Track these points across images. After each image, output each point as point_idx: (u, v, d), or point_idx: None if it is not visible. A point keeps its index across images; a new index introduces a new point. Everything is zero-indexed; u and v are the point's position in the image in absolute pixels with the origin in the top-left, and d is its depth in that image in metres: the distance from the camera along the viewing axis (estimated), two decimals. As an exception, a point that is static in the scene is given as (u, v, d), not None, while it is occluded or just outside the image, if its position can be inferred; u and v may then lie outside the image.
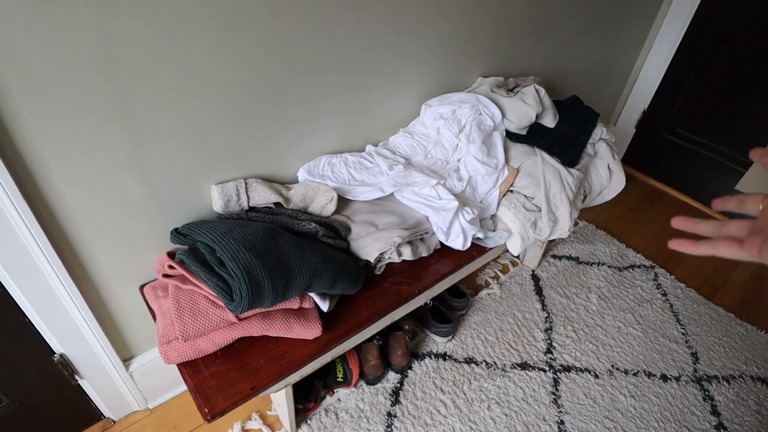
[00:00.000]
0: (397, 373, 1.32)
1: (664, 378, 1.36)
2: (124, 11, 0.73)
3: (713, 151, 1.96)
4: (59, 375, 1.03)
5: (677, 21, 1.88)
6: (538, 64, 1.60)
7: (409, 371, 1.33)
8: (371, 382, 1.29)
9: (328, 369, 1.24)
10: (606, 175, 1.38)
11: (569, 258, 1.75)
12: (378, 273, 1.06)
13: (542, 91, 1.30)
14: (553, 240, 1.74)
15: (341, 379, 1.23)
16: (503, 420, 1.24)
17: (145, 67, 0.79)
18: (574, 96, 1.46)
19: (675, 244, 0.43)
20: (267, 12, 0.88)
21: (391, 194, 1.16)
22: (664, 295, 1.62)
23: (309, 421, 1.20)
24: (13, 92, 0.70)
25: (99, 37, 0.72)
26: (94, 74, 0.75)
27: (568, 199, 1.22)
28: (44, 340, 0.97)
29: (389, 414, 1.23)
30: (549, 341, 1.44)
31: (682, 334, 1.49)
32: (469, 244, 1.10)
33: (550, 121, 1.34)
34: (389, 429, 1.20)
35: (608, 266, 1.72)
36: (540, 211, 1.21)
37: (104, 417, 1.19)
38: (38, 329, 0.95)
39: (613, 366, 1.38)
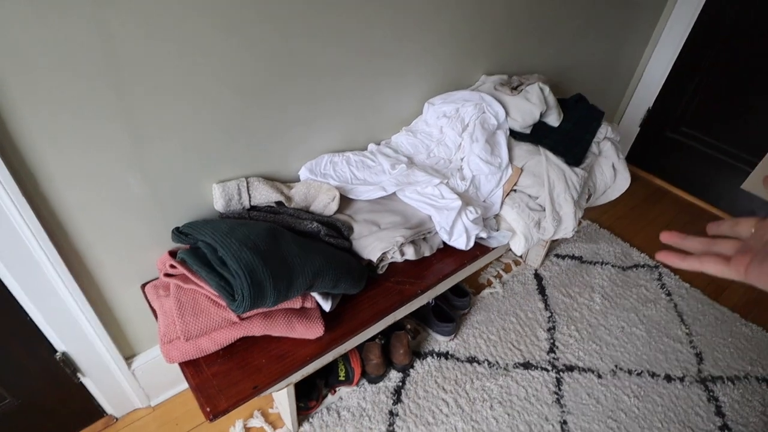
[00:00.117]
0: (399, 372, 1.32)
1: (668, 378, 1.35)
2: (124, 11, 0.72)
3: (718, 150, 1.94)
4: (62, 373, 1.04)
5: (683, 19, 1.86)
6: (542, 62, 1.58)
7: (411, 370, 1.33)
8: (373, 381, 1.29)
9: (330, 367, 1.24)
10: (611, 174, 1.36)
11: (572, 257, 1.73)
12: (380, 272, 1.05)
13: (546, 89, 1.29)
14: (557, 239, 1.73)
15: (343, 378, 1.23)
16: (505, 419, 1.23)
17: (146, 66, 0.79)
18: (579, 94, 1.44)
19: (662, 256, 0.44)
20: (267, 12, 0.88)
21: (394, 193, 1.15)
22: (669, 294, 1.61)
23: (311, 420, 1.20)
24: (13, 92, 0.69)
25: (100, 36, 0.72)
26: (94, 74, 0.74)
27: (572, 199, 1.21)
28: (46, 338, 0.98)
29: (391, 413, 1.23)
30: (552, 341, 1.44)
31: (687, 334, 1.48)
32: (472, 244, 1.10)
33: (554, 119, 1.32)
34: (391, 428, 1.20)
35: (612, 265, 1.71)
36: (544, 210, 1.20)
37: (106, 414, 1.19)
38: (40, 328, 0.95)
39: (616, 366, 1.38)
